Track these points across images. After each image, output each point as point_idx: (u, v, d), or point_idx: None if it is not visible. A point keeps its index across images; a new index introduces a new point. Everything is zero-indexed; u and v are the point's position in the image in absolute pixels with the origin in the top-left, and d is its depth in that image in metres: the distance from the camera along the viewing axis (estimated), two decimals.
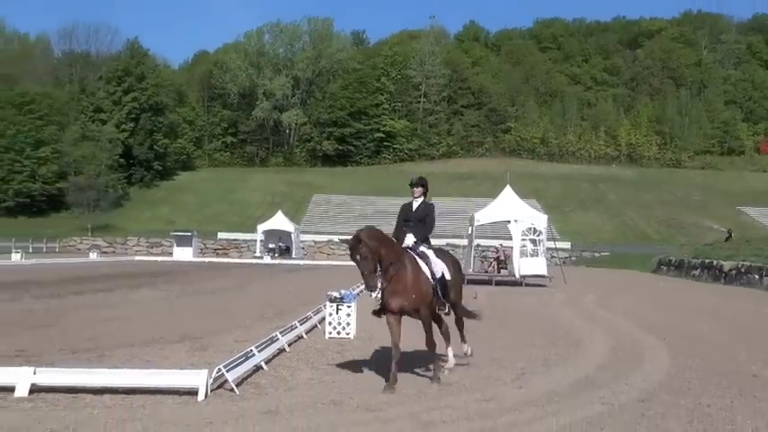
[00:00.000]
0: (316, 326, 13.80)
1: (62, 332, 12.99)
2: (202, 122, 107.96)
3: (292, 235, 64.36)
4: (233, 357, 8.84)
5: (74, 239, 72.02)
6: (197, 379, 7.85)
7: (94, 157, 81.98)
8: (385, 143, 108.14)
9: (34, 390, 7.74)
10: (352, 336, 12.67)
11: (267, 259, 57.67)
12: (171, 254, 61.23)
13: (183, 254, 59.80)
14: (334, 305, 12.85)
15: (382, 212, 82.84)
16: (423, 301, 8.87)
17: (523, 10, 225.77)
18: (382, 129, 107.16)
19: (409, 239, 9.27)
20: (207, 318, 15.88)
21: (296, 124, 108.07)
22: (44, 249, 63.84)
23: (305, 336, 12.65)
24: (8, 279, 27.07)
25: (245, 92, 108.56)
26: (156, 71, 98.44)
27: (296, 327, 12.52)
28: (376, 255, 8.49)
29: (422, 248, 9.29)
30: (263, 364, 9.63)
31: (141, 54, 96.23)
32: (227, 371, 8.19)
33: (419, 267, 8.94)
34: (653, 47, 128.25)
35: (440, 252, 9.77)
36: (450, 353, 10.00)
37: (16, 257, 47.41)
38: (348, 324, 12.82)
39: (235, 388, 8.07)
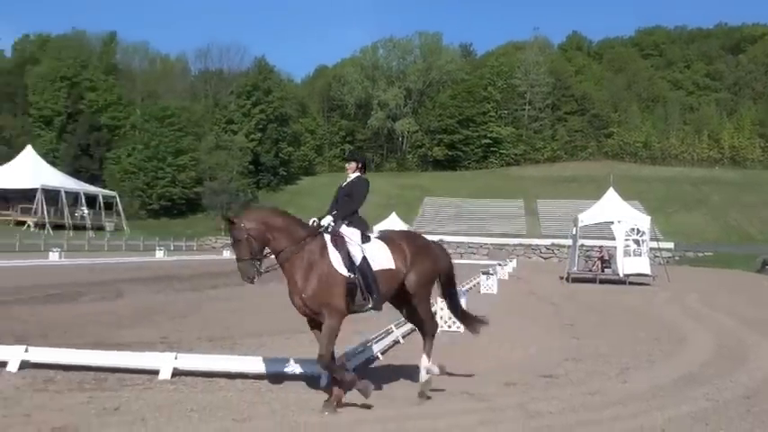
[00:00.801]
0: None
1: (200, 322, 13.42)
2: (323, 132, 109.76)
3: None
4: (352, 348, 8.93)
5: (209, 238, 74.54)
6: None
7: (227, 164, 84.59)
8: (492, 148, 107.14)
9: (176, 373, 8.01)
10: (462, 329, 12.56)
11: None
12: None
13: None
14: (445, 300, 12.77)
15: (490, 213, 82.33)
16: (320, 300, 6.77)
17: (625, 19, 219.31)
18: (489, 135, 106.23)
19: (326, 220, 7.25)
20: None
21: (408, 132, 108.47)
22: (183, 248, 66.16)
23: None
24: (153, 274, 28.22)
25: (361, 103, 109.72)
26: (281, 85, 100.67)
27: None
28: (256, 239, 6.79)
29: (343, 230, 7.16)
30: (379, 354, 9.68)
31: (268, 70, 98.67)
32: (347, 360, 8.27)
33: (321, 256, 6.89)
34: (756, 52, 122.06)
35: (393, 235, 7.77)
36: (423, 363, 7.64)
37: (160, 254, 49.45)
38: None
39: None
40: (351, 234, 7.13)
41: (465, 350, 10.74)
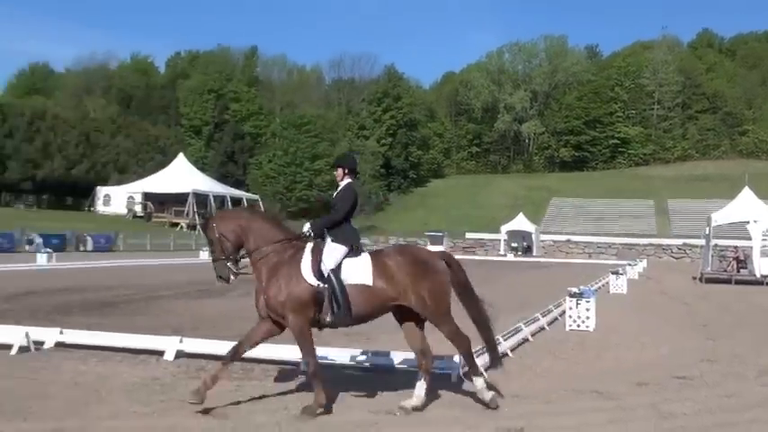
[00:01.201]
0: (556, 318, 13.50)
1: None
2: (450, 135, 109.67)
3: (533, 235, 63.62)
4: (481, 345, 8.86)
5: None
6: (449, 363, 7.97)
7: (360, 168, 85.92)
8: (620, 149, 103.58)
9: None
10: (591, 329, 12.24)
11: (510, 257, 57.42)
12: None
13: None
14: (574, 300, 12.49)
15: (618, 213, 79.66)
16: (282, 305, 6.39)
17: (760, 14, 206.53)
18: (617, 135, 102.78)
19: (305, 226, 6.82)
20: (456, 308, 16.02)
21: (534, 134, 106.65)
22: None
23: (546, 327, 12.41)
24: None
25: (487, 106, 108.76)
26: (410, 92, 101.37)
27: (538, 319, 12.33)
28: (229, 239, 6.60)
29: (328, 244, 6.61)
30: (508, 351, 9.57)
31: (397, 78, 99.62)
32: (477, 356, 8.22)
33: (293, 260, 6.50)
34: None
35: (387, 251, 6.89)
36: (420, 386, 6.66)
37: None
38: (588, 318, 12.40)
39: (484, 372, 8.07)
40: (333, 250, 6.54)
41: (594, 349, 10.44)
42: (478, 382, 6.66)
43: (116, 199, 70.36)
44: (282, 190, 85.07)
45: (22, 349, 8.87)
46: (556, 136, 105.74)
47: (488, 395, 6.60)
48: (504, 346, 9.46)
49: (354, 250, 6.65)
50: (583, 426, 6.13)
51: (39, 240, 40.05)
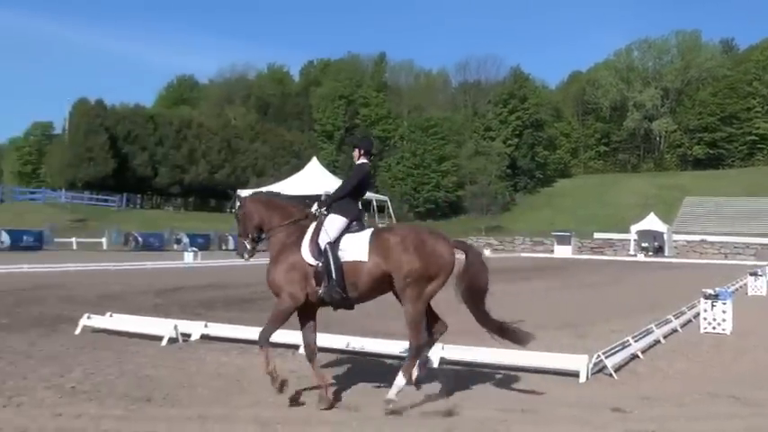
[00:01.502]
0: (690, 321, 12.85)
1: (465, 316, 13.62)
2: (577, 135, 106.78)
3: (665, 235, 60.99)
4: (611, 345, 8.58)
5: (470, 238, 75.49)
6: (578, 363, 7.75)
7: (486, 169, 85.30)
8: (758, 145, 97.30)
9: (443, 362, 8.22)
10: (728, 332, 11.55)
11: (640, 257, 55.27)
12: (552, 251, 61.54)
13: (562, 251, 59.85)
14: (710, 301, 11.84)
15: (756, 213, 74.91)
16: (277, 280, 6.42)
17: None
18: (755, 132, 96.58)
19: (314, 206, 6.79)
20: (585, 308, 15.63)
21: (666, 132, 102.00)
22: None
23: (679, 329, 11.83)
24: None
25: (615, 105, 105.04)
26: (536, 92, 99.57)
27: (670, 320, 11.78)
28: (249, 218, 6.76)
29: (326, 218, 6.56)
30: (639, 353, 9.21)
31: (523, 78, 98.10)
32: (606, 357, 7.98)
33: (297, 239, 6.49)
34: None
35: (392, 228, 6.81)
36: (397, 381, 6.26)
37: None
38: (724, 320, 11.70)
39: (613, 373, 7.81)
40: (331, 221, 6.47)
41: (731, 352, 9.86)
42: (400, 381, 6.19)
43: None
44: (410, 191, 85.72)
45: (171, 341, 9.38)
46: (689, 133, 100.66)
47: (392, 393, 6.15)
48: (634, 347, 9.12)
49: (357, 225, 6.58)
50: None
51: (185, 240, 42.32)
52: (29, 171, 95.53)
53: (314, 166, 77.14)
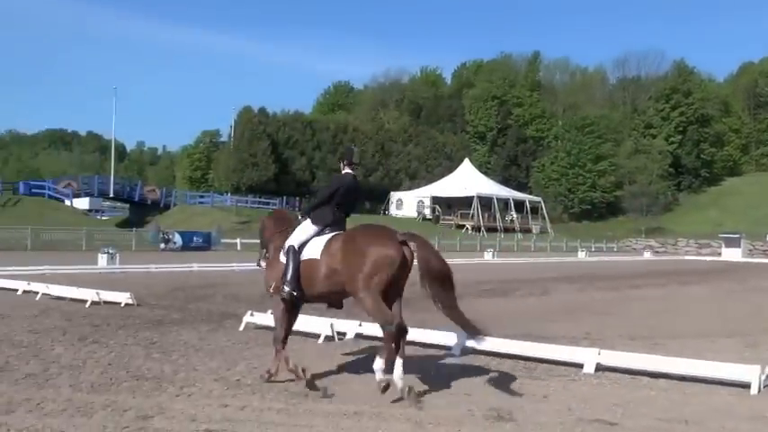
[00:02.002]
0: None
1: (620, 320, 13.15)
2: (748, 130, 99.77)
3: None
4: None
5: (629, 240, 72.81)
6: (750, 373, 7.23)
7: (646, 168, 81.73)
8: None
9: (599, 368, 7.95)
10: None
11: None
12: (719, 254, 57.98)
13: (731, 254, 56.25)
14: None
15: None
16: (267, 284, 7.24)
17: None
18: None
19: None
20: (757, 315, 14.59)
21: None
22: (604, 249, 65.57)
23: None
24: (576, 273, 28.45)
25: None
26: (702, 86, 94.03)
27: None
28: (264, 231, 7.76)
29: (302, 223, 7.18)
30: None
31: (687, 72, 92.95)
32: None
33: (278, 248, 7.20)
34: None
35: (352, 228, 6.95)
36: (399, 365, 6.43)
37: (581, 255, 49.74)
38: None
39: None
40: (302, 227, 7.10)
41: None
42: (377, 364, 6.40)
43: (407, 203, 74.17)
44: (565, 192, 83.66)
45: (328, 338, 9.70)
46: None
47: (378, 376, 6.37)
48: None
49: (330, 230, 7.00)
50: None
51: None
52: (198, 176, 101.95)
53: (466, 167, 77.41)
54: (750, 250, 60.23)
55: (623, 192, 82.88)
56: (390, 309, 6.51)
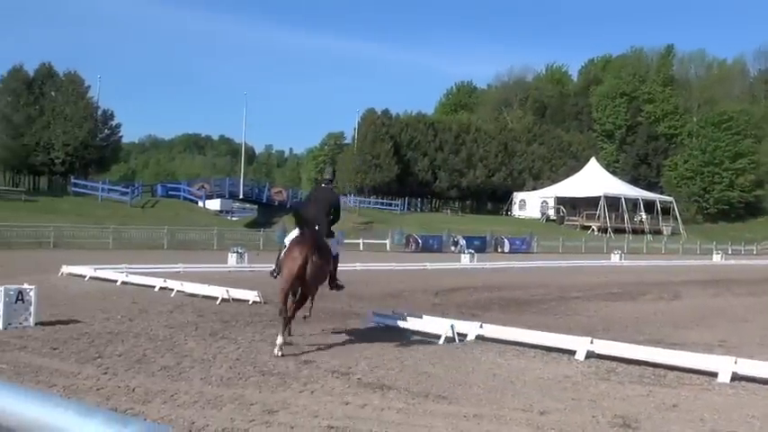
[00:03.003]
0: None
1: (760, 327, 12.44)
2: None
3: None
4: None
5: None
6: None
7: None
8: None
9: (735, 378, 7.55)
10: None
11: None
12: None
13: None
14: None
15: None
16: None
17: None
18: None
19: None
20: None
21: None
22: (742, 252, 62.19)
23: None
24: (710, 277, 27.12)
25: None
26: None
27: None
28: None
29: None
30: None
31: None
32: None
33: None
34: None
35: None
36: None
37: (717, 258, 47.28)
38: None
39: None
40: (292, 232, 9.17)
41: None
42: (278, 340, 8.44)
43: (530, 203, 73.01)
44: (699, 191, 79.78)
45: (448, 340, 9.69)
46: None
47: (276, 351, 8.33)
48: None
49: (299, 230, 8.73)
50: None
51: (462, 242, 43.45)
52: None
53: (592, 167, 75.29)
54: None
55: (764, 191, 78.08)
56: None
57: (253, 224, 51.07)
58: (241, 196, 60.46)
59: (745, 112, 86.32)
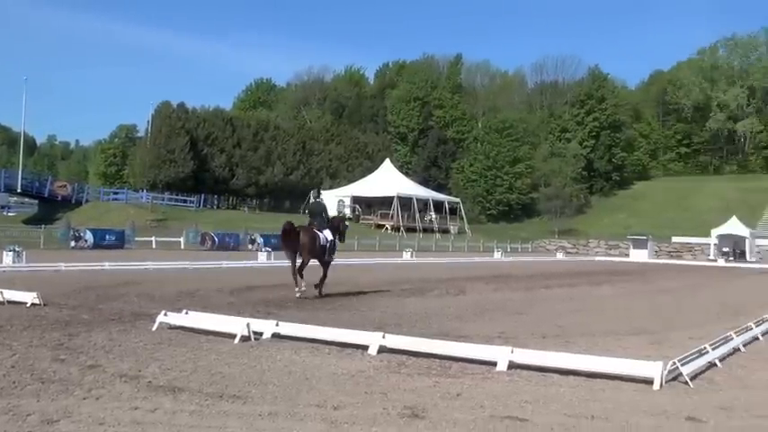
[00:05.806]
0: None
1: (533, 319, 13.47)
2: (657, 136, 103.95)
3: (747, 240, 58.78)
4: (687, 352, 8.32)
5: (543, 241, 74.63)
6: (653, 369, 7.53)
7: (560, 171, 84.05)
8: None
9: (512, 366, 8.11)
10: None
11: (721, 262, 53.43)
12: (627, 255, 60.12)
13: (638, 255, 58.42)
14: None
15: None
16: None
17: None
18: None
19: None
20: (662, 314, 15.21)
21: (751, 133, 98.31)
22: (519, 249, 67.03)
23: (761, 338, 11.38)
24: (492, 274, 29.02)
25: (698, 105, 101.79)
26: (615, 92, 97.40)
27: (751, 328, 11.34)
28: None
29: None
30: (717, 361, 8.89)
31: (601, 78, 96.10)
32: (682, 365, 7.73)
33: None
34: None
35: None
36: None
37: (497, 255, 50.65)
38: None
39: (689, 381, 7.57)
40: None
41: None
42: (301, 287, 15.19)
43: (328, 202, 73.40)
44: (483, 193, 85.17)
45: (244, 338, 9.55)
46: None
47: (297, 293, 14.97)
48: (712, 355, 8.82)
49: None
50: None
51: (260, 240, 43.08)
52: (113, 172, 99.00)
53: (387, 167, 77.70)
54: (656, 251, 62.71)
55: (539, 194, 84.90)
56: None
57: (33, 220, 47.28)
58: (19, 190, 55.79)
59: (524, 120, 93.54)
